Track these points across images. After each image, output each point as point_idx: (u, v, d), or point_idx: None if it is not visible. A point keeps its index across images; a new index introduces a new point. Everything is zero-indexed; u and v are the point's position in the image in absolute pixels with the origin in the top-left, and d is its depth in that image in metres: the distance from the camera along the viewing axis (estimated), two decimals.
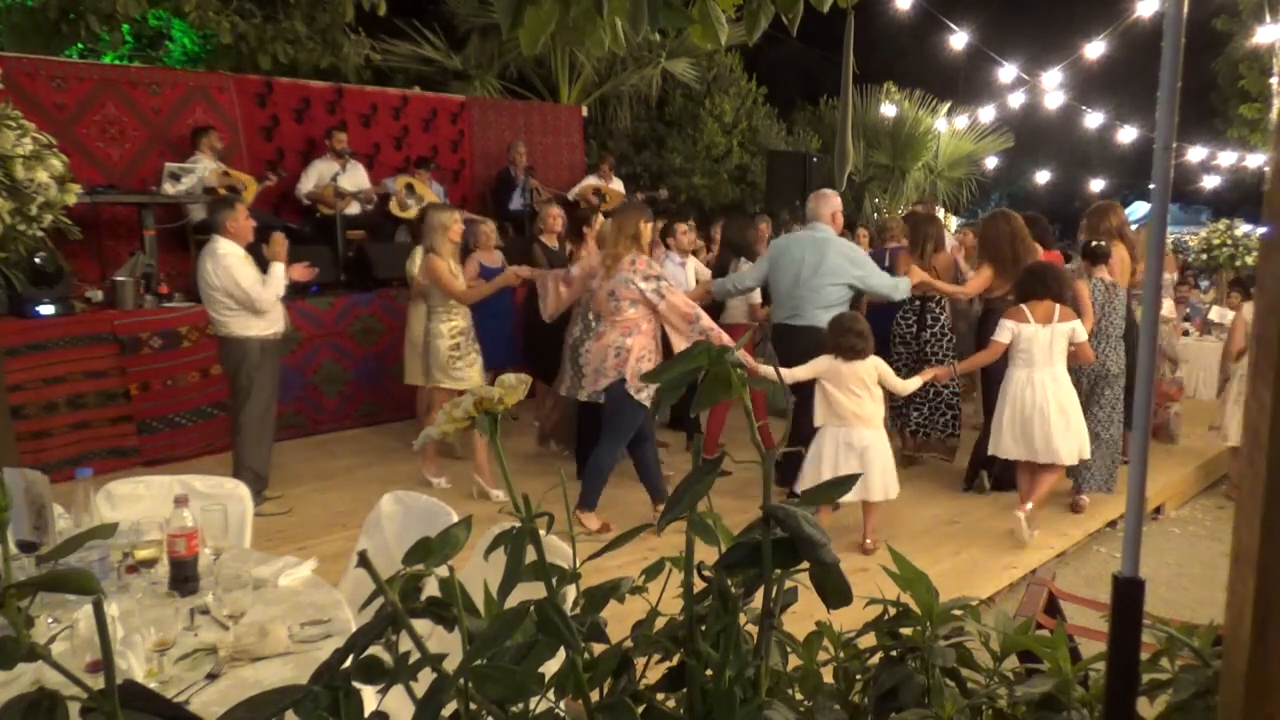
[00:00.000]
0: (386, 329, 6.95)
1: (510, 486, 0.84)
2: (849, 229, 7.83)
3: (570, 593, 0.91)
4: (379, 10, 9.05)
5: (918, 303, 5.73)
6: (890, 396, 4.54)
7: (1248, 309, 5.92)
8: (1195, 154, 13.30)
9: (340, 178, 7.55)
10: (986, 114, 13.42)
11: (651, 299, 4.59)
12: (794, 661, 1.02)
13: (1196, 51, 13.34)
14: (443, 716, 0.75)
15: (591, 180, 9.55)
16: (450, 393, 5.12)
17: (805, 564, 0.81)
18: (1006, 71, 10.77)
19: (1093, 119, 11.88)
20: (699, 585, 0.87)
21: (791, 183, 10.69)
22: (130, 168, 7.13)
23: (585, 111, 11.44)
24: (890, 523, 4.87)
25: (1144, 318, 1.01)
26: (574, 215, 6.76)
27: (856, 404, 4.37)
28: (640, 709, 0.83)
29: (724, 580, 0.85)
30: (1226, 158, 13.62)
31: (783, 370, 4.52)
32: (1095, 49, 9.84)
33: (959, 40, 10.14)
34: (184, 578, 2.23)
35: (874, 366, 4.42)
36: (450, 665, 0.77)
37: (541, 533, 0.83)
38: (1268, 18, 10.61)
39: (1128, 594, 0.92)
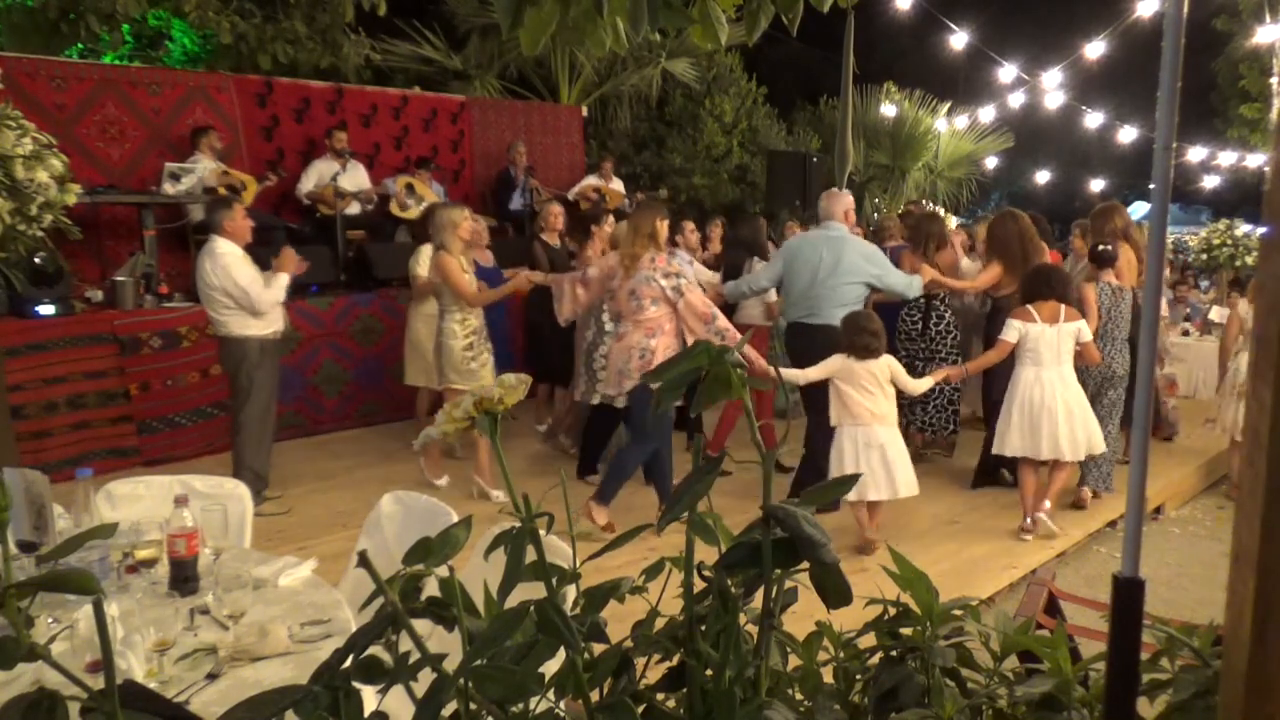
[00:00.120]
0: (386, 329, 6.95)
1: (510, 486, 0.84)
2: None
3: (570, 593, 0.91)
4: (379, 10, 9.05)
5: (922, 301, 5.78)
6: (898, 394, 4.58)
7: (1243, 305, 5.94)
8: (1195, 154, 13.31)
9: (340, 178, 7.55)
10: (986, 114, 13.42)
11: (671, 296, 4.60)
12: (794, 661, 1.02)
13: (1196, 51, 13.33)
14: (443, 716, 0.75)
15: (591, 180, 9.55)
16: (464, 393, 5.10)
17: (805, 564, 0.81)
18: (1006, 71, 10.78)
19: (1093, 119, 11.89)
20: (699, 585, 0.87)
21: (791, 183, 10.70)
22: (130, 168, 7.12)
23: (585, 111, 11.43)
24: (891, 522, 4.87)
25: (1144, 317, 1.01)
26: (577, 214, 6.76)
27: (872, 402, 4.39)
28: (640, 709, 0.83)
29: (724, 580, 0.85)
30: (1226, 158, 13.62)
31: (796, 371, 4.56)
32: (1095, 49, 9.84)
33: (959, 40, 10.14)
34: (184, 578, 2.23)
35: (887, 365, 4.44)
36: (450, 665, 0.77)
37: (541, 533, 0.83)
38: (1268, 18, 10.61)
39: (1128, 594, 0.92)
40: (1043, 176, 17.09)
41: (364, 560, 0.80)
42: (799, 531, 0.79)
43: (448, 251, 5.00)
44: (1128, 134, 12.30)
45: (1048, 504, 4.85)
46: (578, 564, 0.91)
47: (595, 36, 2.12)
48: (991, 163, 15.70)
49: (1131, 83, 13.87)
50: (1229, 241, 10.83)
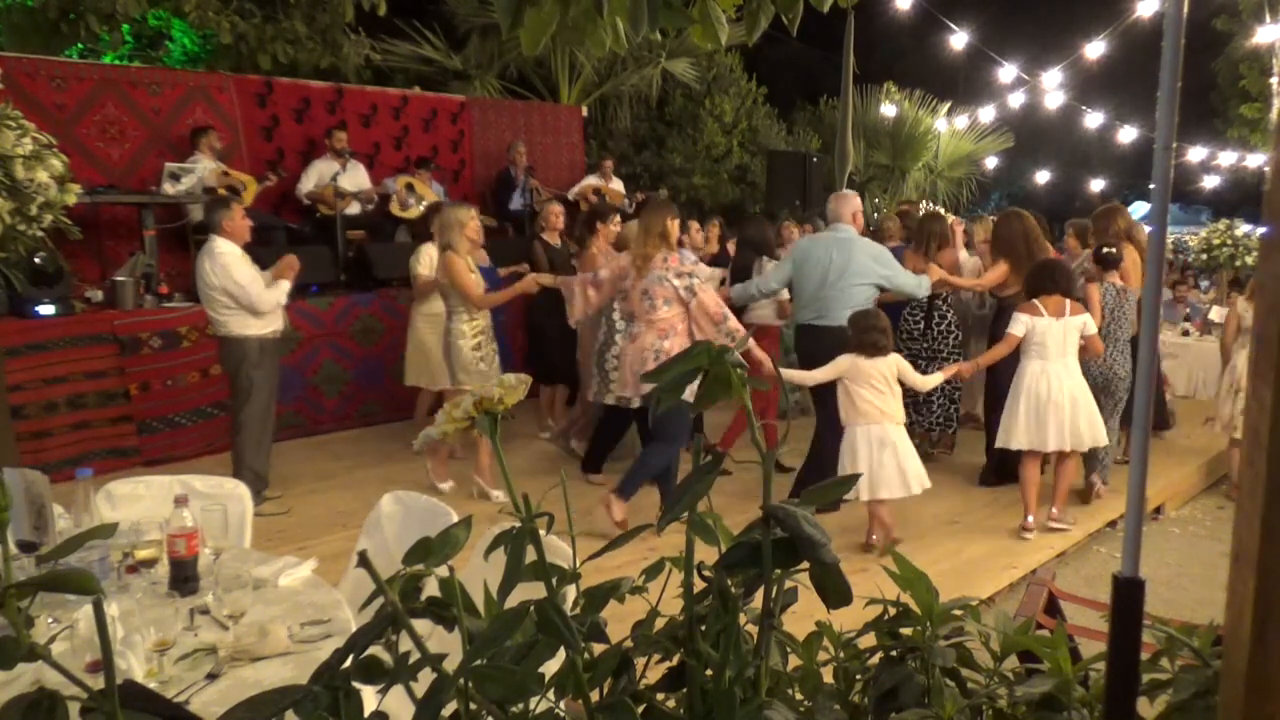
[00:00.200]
0: (386, 329, 6.95)
1: (510, 486, 0.84)
2: None
3: (570, 593, 0.91)
4: (379, 10, 9.05)
5: (924, 300, 5.78)
6: (905, 392, 4.60)
7: (1241, 302, 5.96)
8: (1195, 154, 13.32)
9: (340, 178, 7.55)
10: (986, 114, 13.43)
11: (684, 296, 4.61)
12: (794, 661, 1.02)
13: (1196, 51, 13.34)
14: (443, 716, 0.75)
15: (591, 180, 9.54)
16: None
17: (805, 564, 0.81)
18: (1006, 71, 10.78)
19: (1093, 119, 11.89)
20: (699, 585, 0.87)
21: (791, 183, 10.71)
22: (130, 168, 7.12)
23: (585, 111, 11.43)
24: (891, 522, 4.86)
25: (1144, 317, 1.01)
26: (578, 213, 6.76)
27: (880, 400, 4.40)
28: (640, 709, 0.83)
29: (724, 580, 0.85)
30: (1226, 158, 13.63)
31: (805, 372, 4.58)
32: (1095, 49, 9.85)
33: (959, 40, 10.15)
34: (184, 578, 2.23)
35: (894, 363, 4.45)
36: (450, 665, 0.77)
37: (541, 533, 0.83)
38: (1268, 18, 10.62)
39: (1128, 594, 0.92)
40: (1043, 176, 17.10)
41: (364, 560, 0.80)
42: (799, 531, 0.79)
43: (455, 251, 4.97)
44: (1128, 134, 12.31)
45: (1054, 510, 4.90)
46: (578, 564, 0.91)
47: (595, 36, 2.12)
48: (991, 163, 15.71)
49: (1131, 83, 13.88)
50: (1229, 241, 10.83)
